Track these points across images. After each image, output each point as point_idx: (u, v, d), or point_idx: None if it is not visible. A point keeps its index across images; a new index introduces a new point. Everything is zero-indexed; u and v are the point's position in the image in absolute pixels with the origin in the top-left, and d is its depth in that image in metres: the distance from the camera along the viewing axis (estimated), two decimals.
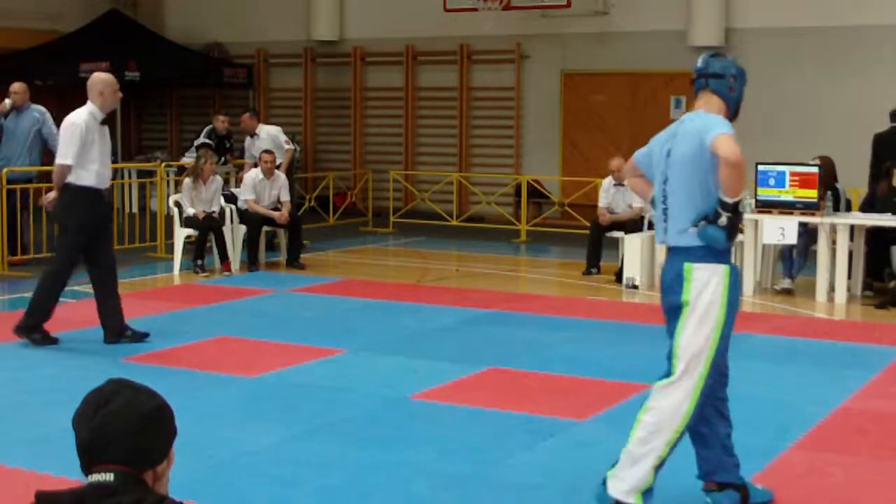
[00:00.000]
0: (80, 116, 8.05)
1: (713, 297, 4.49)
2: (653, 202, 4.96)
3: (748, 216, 10.51)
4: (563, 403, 6.55)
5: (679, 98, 16.50)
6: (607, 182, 12.06)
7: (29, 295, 10.41)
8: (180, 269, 11.81)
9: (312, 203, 16.34)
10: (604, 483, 4.61)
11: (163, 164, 14.28)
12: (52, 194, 8.28)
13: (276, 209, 12.29)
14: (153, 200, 14.49)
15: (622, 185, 11.90)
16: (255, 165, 12.69)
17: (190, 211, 11.85)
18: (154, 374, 6.64)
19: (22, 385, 6.99)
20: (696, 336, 4.48)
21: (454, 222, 16.24)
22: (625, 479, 4.51)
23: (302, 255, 12.51)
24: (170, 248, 12.52)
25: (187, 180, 12.02)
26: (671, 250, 4.63)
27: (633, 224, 11.69)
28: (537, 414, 6.31)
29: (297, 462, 5.43)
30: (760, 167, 10.62)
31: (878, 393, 6.99)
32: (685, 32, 15.97)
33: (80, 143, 7.92)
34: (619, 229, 11.79)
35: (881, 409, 6.58)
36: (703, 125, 4.54)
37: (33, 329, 8.09)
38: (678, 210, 4.58)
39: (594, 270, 11.92)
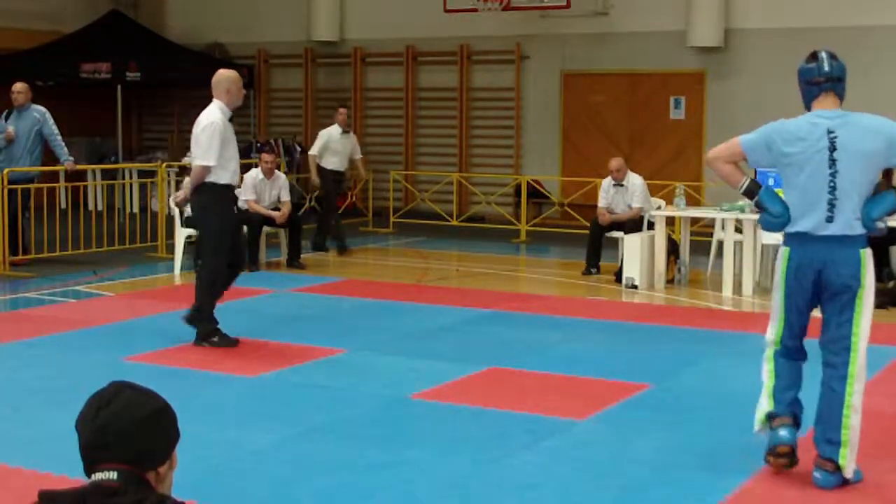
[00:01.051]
0: (214, 115, 7.92)
1: (873, 276, 5.16)
2: (748, 193, 5.21)
3: (748, 216, 10.51)
4: (563, 403, 6.55)
5: (678, 98, 16.52)
6: (607, 182, 12.06)
7: (30, 295, 10.48)
8: (181, 270, 11.82)
9: (312, 203, 16.34)
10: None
11: (164, 165, 14.29)
12: (183, 193, 8.23)
13: (276, 209, 12.31)
14: (154, 200, 14.52)
15: (622, 185, 11.91)
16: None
17: (190, 211, 11.85)
18: (154, 374, 6.65)
19: (22, 385, 6.99)
20: (869, 314, 5.12)
21: (454, 222, 16.25)
22: (852, 462, 5.05)
23: (302, 256, 12.54)
24: (170, 248, 12.53)
25: (188, 180, 12.01)
26: (835, 238, 5.02)
27: (633, 224, 11.69)
28: (537, 414, 6.31)
29: (297, 462, 5.43)
30: (760, 168, 10.59)
31: (878, 393, 6.99)
32: (685, 33, 15.98)
33: (220, 142, 7.84)
34: (618, 229, 11.80)
35: (880, 408, 6.58)
36: (885, 126, 5.04)
37: (210, 334, 8.05)
38: (854, 200, 4.99)
39: (594, 270, 11.93)
